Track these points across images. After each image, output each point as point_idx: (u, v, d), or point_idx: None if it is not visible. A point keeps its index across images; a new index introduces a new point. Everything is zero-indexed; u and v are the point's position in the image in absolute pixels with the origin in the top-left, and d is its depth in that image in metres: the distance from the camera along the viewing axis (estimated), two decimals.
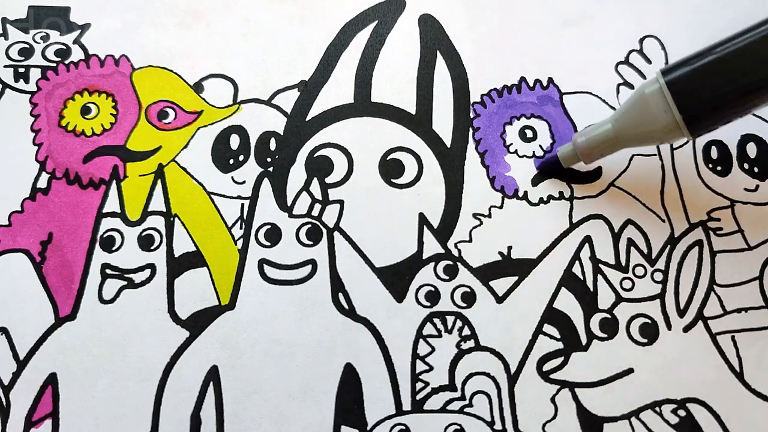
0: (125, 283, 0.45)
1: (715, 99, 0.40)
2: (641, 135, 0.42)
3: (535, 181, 0.47)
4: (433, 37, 0.51)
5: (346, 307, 0.44)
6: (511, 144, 0.48)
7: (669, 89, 0.40)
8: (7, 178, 0.47)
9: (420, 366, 0.43)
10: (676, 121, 0.40)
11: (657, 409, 0.43)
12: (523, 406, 0.43)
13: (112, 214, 0.46)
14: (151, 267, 0.45)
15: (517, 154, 0.48)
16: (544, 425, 0.42)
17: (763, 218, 0.47)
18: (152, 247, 0.45)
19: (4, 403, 0.42)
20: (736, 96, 0.40)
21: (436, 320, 0.44)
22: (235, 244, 0.45)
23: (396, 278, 0.45)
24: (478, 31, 0.51)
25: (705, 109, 0.40)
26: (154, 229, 0.46)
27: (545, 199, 0.47)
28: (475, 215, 0.46)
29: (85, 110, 0.48)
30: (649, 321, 0.44)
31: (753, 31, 0.41)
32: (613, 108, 0.49)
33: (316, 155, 0.48)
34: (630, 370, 0.43)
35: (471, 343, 0.44)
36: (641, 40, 0.51)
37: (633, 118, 0.42)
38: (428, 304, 0.44)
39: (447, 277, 0.45)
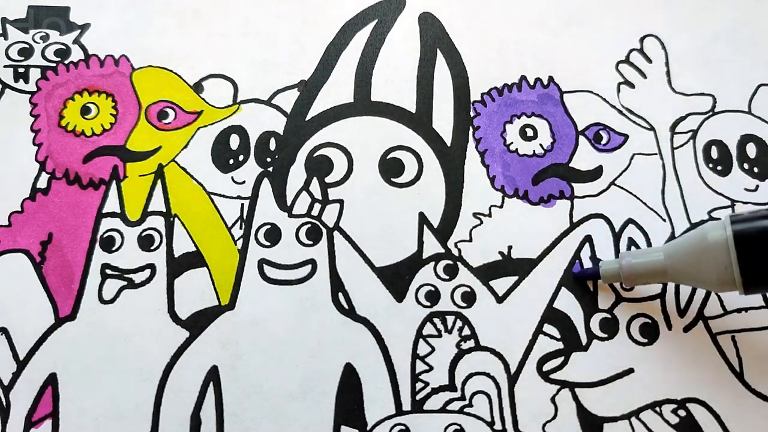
0: (125, 283, 0.45)
1: None
2: (692, 278, 0.40)
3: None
4: (434, 36, 0.51)
5: (346, 306, 0.44)
6: (512, 143, 0.48)
7: (735, 244, 0.37)
8: (7, 178, 0.47)
9: (420, 366, 0.43)
10: (732, 278, 0.38)
11: (657, 409, 0.43)
12: (523, 406, 0.42)
13: (112, 214, 0.46)
14: (151, 267, 0.45)
15: (518, 153, 0.48)
16: (544, 425, 0.42)
17: None
18: (152, 247, 0.45)
19: (4, 403, 0.42)
20: None
21: (436, 320, 0.44)
22: (235, 244, 0.45)
23: (396, 278, 0.45)
24: (479, 30, 0.51)
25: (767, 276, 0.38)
26: (154, 229, 0.46)
27: (545, 198, 0.47)
28: (475, 214, 0.46)
29: (84, 110, 0.48)
30: (650, 321, 0.44)
31: None
32: (614, 106, 0.49)
33: (315, 155, 0.48)
34: (630, 370, 0.43)
35: (471, 343, 0.44)
36: (641, 39, 0.51)
37: (687, 259, 0.40)
38: (428, 303, 0.44)
39: (447, 277, 0.45)
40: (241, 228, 0.46)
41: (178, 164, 0.47)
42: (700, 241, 0.39)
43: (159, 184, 0.47)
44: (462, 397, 0.43)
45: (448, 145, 0.48)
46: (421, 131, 0.48)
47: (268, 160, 0.47)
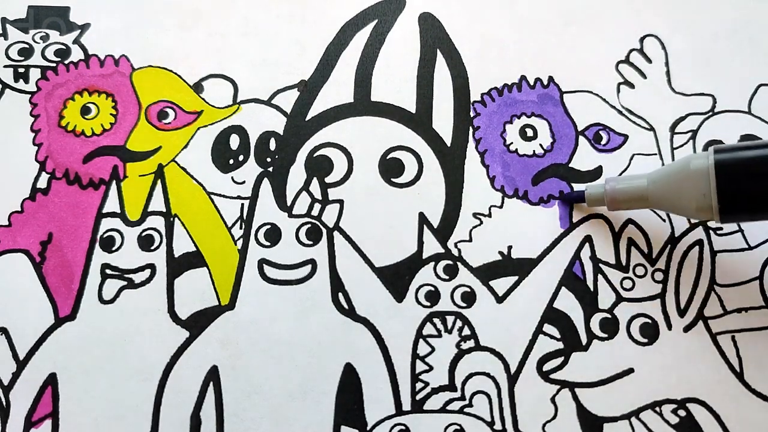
0: (125, 283, 0.45)
1: (759, 198, 0.39)
2: (672, 204, 0.41)
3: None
4: (433, 36, 0.51)
5: (346, 307, 0.44)
6: (512, 143, 0.48)
7: (716, 172, 0.39)
8: (7, 178, 0.47)
9: (420, 366, 0.43)
10: (710, 206, 0.39)
11: (657, 409, 0.43)
12: (523, 406, 0.43)
13: (112, 214, 0.46)
14: (151, 267, 0.45)
15: (518, 153, 0.48)
16: (544, 425, 0.42)
17: None
18: (152, 247, 0.45)
19: (4, 403, 0.42)
20: None
21: (436, 320, 0.44)
22: (235, 244, 0.45)
23: (396, 278, 0.45)
24: (479, 30, 0.51)
25: (744, 205, 0.39)
26: (154, 229, 0.46)
27: (545, 198, 0.47)
28: (475, 215, 0.46)
29: (84, 110, 0.48)
30: (650, 321, 0.44)
31: None
32: (613, 107, 0.49)
33: (315, 155, 0.48)
34: (630, 370, 0.43)
35: (471, 343, 0.44)
36: (641, 39, 0.51)
37: (669, 186, 0.41)
38: (428, 303, 0.44)
39: (447, 277, 0.45)
40: (241, 228, 0.46)
41: (178, 164, 0.47)
42: (683, 168, 0.40)
43: (159, 184, 0.47)
44: (462, 397, 0.43)
45: (448, 145, 0.48)
46: (421, 131, 0.48)
47: (268, 160, 0.47)
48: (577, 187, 0.47)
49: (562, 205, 0.47)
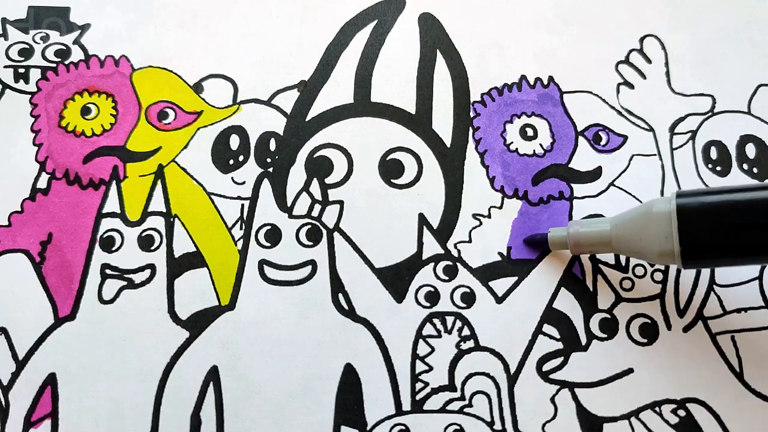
0: (125, 283, 0.45)
1: (721, 245, 0.39)
2: (635, 248, 0.41)
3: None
4: (433, 36, 0.51)
5: (346, 307, 0.44)
6: (512, 143, 0.48)
7: (678, 217, 0.38)
8: (7, 178, 0.47)
9: (420, 366, 0.43)
10: (672, 250, 0.39)
11: (657, 409, 0.43)
12: (523, 406, 0.43)
13: (112, 215, 0.46)
14: (151, 267, 0.45)
15: (518, 153, 0.48)
16: (543, 425, 0.42)
17: None
18: (152, 248, 0.45)
19: (3, 403, 0.42)
20: (745, 250, 0.38)
21: (436, 320, 0.44)
22: (236, 244, 0.45)
23: (396, 279, 0.45)
24: (479, 30, 0.51)
25: (706, 251, 0.39)
26: (154, 229, 0.46)
27: (545, 199, 0.47)
28: (474, 215, 0.46)
29: (85, 111, 0.48)
30: (649, 321, 0.44)
31: None
32: (613, 107, 0.49)
33: (315, 156, 0.48)
34: (630, 370, 0.43)
35: (471, 344, 0.44)
36: (641, 40, 0.51)
37: (632, 230, 0.41)
38: (428, 304, 0.44)
39: (447, 278, 0.45)
40: (241, 228, 0.46)
41: (178, 164, 0.47)
42: (645, 212, 0.40)
43: (159, 184, 0.47)
44: (462, 397, 0.43)
45: (448, 146, 0.48)
46: (420, 132, 0.48)
47: (268, 160, 0.47)
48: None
49: (530, 247, 0.46)
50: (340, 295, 0.45)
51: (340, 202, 0.46)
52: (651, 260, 0.41)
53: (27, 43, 0.50)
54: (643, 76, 0.50)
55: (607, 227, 0.42)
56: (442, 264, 0.45)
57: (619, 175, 0.48)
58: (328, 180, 0.47)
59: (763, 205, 0.38)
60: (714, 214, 0.38)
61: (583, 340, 0.44)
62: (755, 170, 0.48)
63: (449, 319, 0.44)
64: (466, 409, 0.42)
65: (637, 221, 0.40)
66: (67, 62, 0.49)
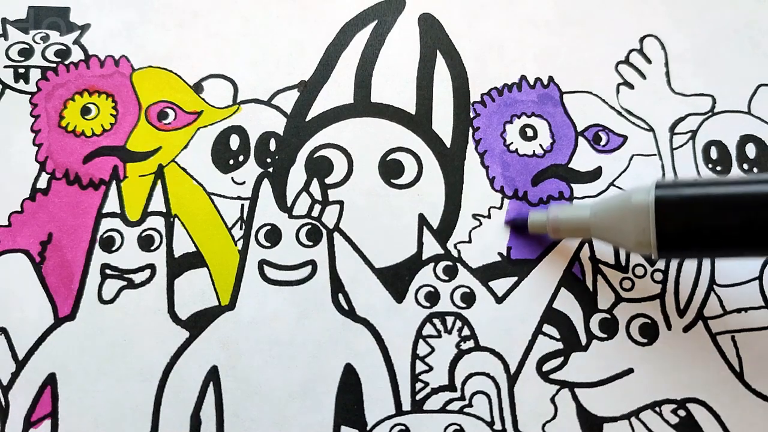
0: (125, 283, 0.45)
1: (698, 236, 0.38)
2: (613, 236, 0.41)
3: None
4: (433, 37, 0.51)
5: (346, 307, 0.44)
6: (512, 143, 0.48)
7: (656, 208, 0.38)
8: (7, 178, 0.47)
9: (420, 366, 0.43)
10: (649, 241, 0.39)
11: (657, 409, 0.43)
12: (523, 406, 0.43)
13: (112, 215, 0.46)
14: (151, 267, 0.45)
15: (518, 154, 0.48)
16: (543, 425, 0.42)
17: None
18: (152, 248, 0.45)
19: (3, 403, 0.42)
20: (719, 242, 0.38)
21: (436, 320, 0.44)
22: (235, 244, 0.45)
23: (396, 279, 0.45)
24: (479, 30, 0.51)
25: (682, 243, 0.39)
26: (154, 229, 0.46)
27: (545, 199, 0.47)
28: (474, 216, 0.46)
29: (85, 111, 0.48)
30: (649, 321, 0.44)
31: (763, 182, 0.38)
32: (613, 107, 0.49)
33: (315, 156, 0.48)
34: (630, 370, 0.43)
35: (471, 344, 0.44)
36: (641, 40, 0.51)
37: (611, 218, 0.41)
38: (428, 304, 0.44)
39: (446, 278, 0.45)
40: (241, 228, 0.46)
41: (178, 164, 0.47)
42: (624, 201, 0.40)
43: (159, 184, 0.47)
44: (462, 397, 0.43)
45: (448, 146, 0.48)
46: (420, 133, 0.48)
47: (268, 160, 0.47)
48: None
49: (513, 232, 0.46)
50: (340, 295, 0.45)
51: (340, 202, 0.46)
52: (628, 249, 0.42)
53: (27, 43, 0.50)
54: (643, 76, 0.50)
55: (586, 213, 0.42)
56: (442, 264, 0.45)
57: (619, 175, 0.48)
58: (328, 180, 0.47)
59: (743, 199, 0.38)
60: (692, 207, 0.38)
61: (583, 340, 0.44)
62: (755, 170, 0.48)
63: (449, 319, 0.44)
64: (466, 409, 0.42)
65: (615, 210, 0.40)
66: (67, 62, 0.49)
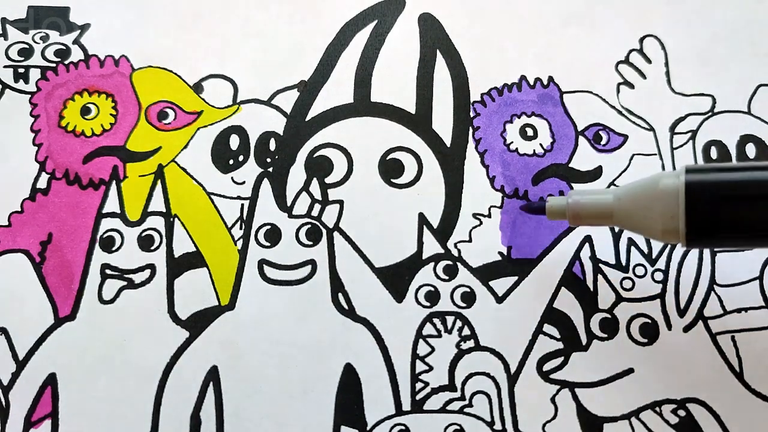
0: (125, 283, 0.45)
1: (731, 224, 0.36)
2: (638, 224, 0.38)
3: (535, 180, 0.47)
4: (433, 36, 0.51)
5: (346, 307, 0.44)
6: (512, 143, 0.48)
7: (686, 194, 0.36)
8: (6, 178, 0.47)
9: (420, 366, 0.43)
10: (677, 229, 0.36)
11: (657, 409, 0.43)
12: (523, 406, 0.43)
13: (112, 215, 0.46)
14: (151, 267, 0.45)
15: (518, 153, 0.48)
16: (544, 425, 0.42)
17: None
18: (152, 248, 0.45)
19: (3, 403, 0.42)
20: (753, 232, 0.36)
21: (436, 320, 0.44)
22: (235, 244, 0.45)
23: (396, 278, 0.45)
24: (479, 30, 0.51)
25: (714, 231, 0.36)
26: (154, 229, 0.46)
27: (545, 199, 0.47)
28: (474, 215, 0.46)
29: (84, 111, 0.48)
30: (649, 321, 0.44)
31: None
32: (613, 107, 0.49)
33: (315, 155, 0.48)
34: (630, 370, 0.43)
35: (471, 343, 0.44)
36: (641, 40, 0.51)
37: (636, 204, 0.38)
38: (428, 304, 0.44)
39: (447, 277, 0.45)
40: (241, 228, 0.46)
41: (178, 164, 0.47)
42: (651, 186, 0.37)
43: (159, 184, 0.47)
44: (462, 397, 0.43)
45: (448, 146, 0.48)
46: (420, 132, 0.48)
47: (268, 160, 0.47)
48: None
49: (528, 213, 0.45)
50: (340, 294, 0.45)
51: (340, 202, 0.46)
52: (654, 237, 0.39)
53: (27, 43, 0.50)
54: (643, 76, 0.50)
55: (609, 198, 0.39)
56: (442, 264, 0.45)
57: (620, 175, 0.48)
58: (328, 180, 0.47)
59: None
60: (725, 192, 0.36)
61: (584, 340, 0.44)
62: None
63: (449, 319, 0.44)
64: (466, 409, 0.42)
65: (642, 195, 0.38)
66: (66, 62, 0.50)
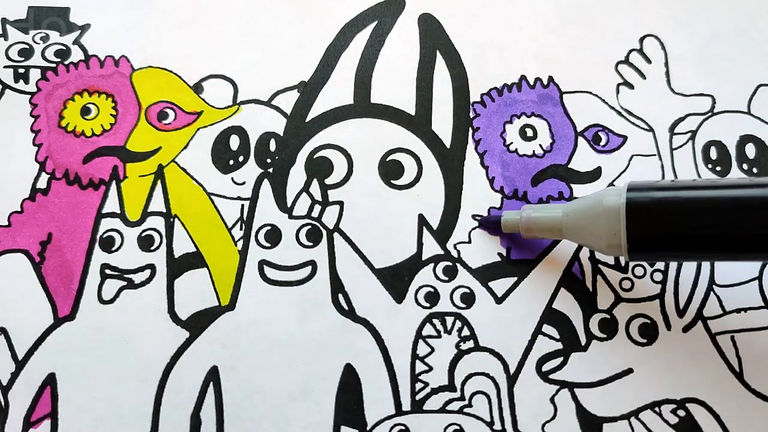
0: (125, 283, 0.45)
1: (669, 240, 0.39)
2: (584, 238, 0.41)
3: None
4: (433, 37, 0.51)
5: (346, 307, 0.44)
6: (512, 143, 0.48)
7: (626, 212, 0.38)
8: (6, 178, 0.47)
9: (419, 366, 0.43)
10: (620, 244, 0.39)
11: (656, 409, 0.43)
12: (523, 407, 0.43)
13: (112, 215, 0.46)
14: (151, 267, 0.45)
15: (518, 154, 0.48)
16: (543, 425, 0.42)
17: None
18: (152, 248, 0.45)
19: (3, 403, 0.42)
20: (689, 245, 0.39)
21: (436, 321, 0.44)
22: (236, 245, 0.45)
23: (395, 279, 0.45)
24: (478, 30, 0.51)
25: (653, 246, 0.39)
26: (154, 229, 0.46)
27: (545, 199, 0.47)
28: (474, 216, 0.46)
29: (84, 111, 0.48)
30: (649, 321, 0.44)
31: (740, 187, 0.38)
32: (612, 108, 0.49)
33: (315, 156, 0.48)
34: (629, 371, 0.43)
35: (470, 344, 0.44)
36: (641, 40, 0.51)
37: (583, 220, 0.41)
38: (428, 304, 0.44)
39: (446, 278, 0.45)
40: (241, 229, 0.46)
41: (178, 165, 0.47)
42: (596, 204, 0.40)
43: (159, 184, 0.47)
44: (461, 398, 0.43)
45: (448, 146, 0.48)
46: (420, 133, 0.48)
47: (268, 161, 0.47)
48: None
49: (485, 229, 0.46)
50: (340, 295, 0.45)
51: (340, 203, 0.46)
52: (600, 251, 0.41)
53: (27, 43, 0.50)
54: (643, 76, 0.50)
55: (559, 213, 0.42)
56: (442, 264, 0.45)
57: (619, 176, 0.48)
58: (328, 180, 0.47)
59: (714, 203, 0.38)
60: (663, 211, 0.38)
61: (583, 341, 0.44)
62: (755, 170, 0.48)
63: (449, 320, 0.44)
64: (465, 410, 0.42)
65: (588, 211, 0.41)
66: (67, 62, 0.49)
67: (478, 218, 0.46)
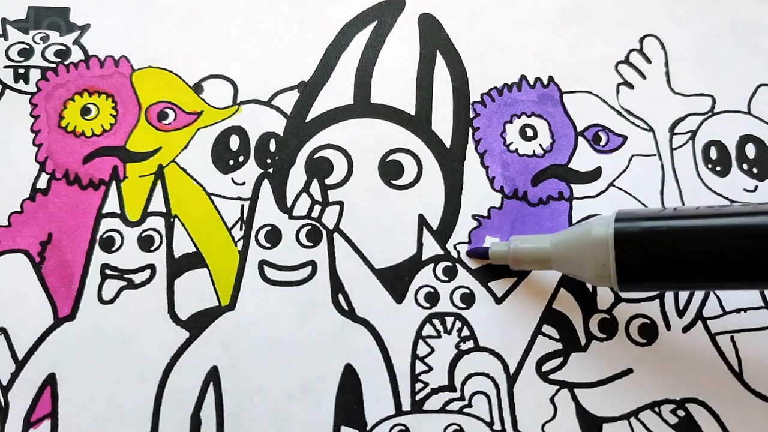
0: (125, 283, 0.45)
1: (658, 270, 0.38)
2: (573, 269, 0.41)
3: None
4: (433, 37, 0.51)
5: (346, 308, 0.44)
6: (512, 143, 0.48)
7: (615, 242, 0.38)
8: (6, 178, 0.47)
9: (419, 366, 0.43)
10: (609, 275, 0.38)
11: (656, 409, 0.43)
12: (523, 407, 0.43)
13: (112, 215, 0.46)
14: (151, 267, 0.45)
15: (518, 154, 0.48)
16: (543, 425, 0.42)
17: None
18: (152, 248, 0.45)
19: (3, 403, 0.42)
20: (679, 275, 0.38)
21: (436, 321, 0.44)
22: (236, 245, 0.45)
23: (395, 279, 0.45)
24: (479, 30, 0.51)
25: (643, 276, 0.38)
26: (154, 229, 0.46)
27: (545, 199, 0.47)
28: (474, 216, 0.46)
29: (84, 111, 0.48)
30: (648, 321, 0.44)
31: (729, 216, 0.38)
32: (613, 108, 0.49)
33: (315, 156, 0.48)
34: (629, 371, 0.43)
35: (470, 344, 0.44)
36: (641, 39, 0.51)
37: (571, 251, 0.40)
38: (428, 305, 0.44)
39: (446, 278, 0.45)
40: (241, 229, 0.46)
41: (178, 165, 0.47)
42: (584, 235, 0.40)
43: (159, 184, 0.47)
44: (461, 398, 0.43)
45: (448, 146, 0.48)
46: (420, 133, 0.48)
47: (268, 161, 0.47)
48: (490, 241, 0.46)
49: (472, 260, 0.46)
50: (340, 295, 0.45)
51: (340, 203, 0.46)
52: (589, 281, 0.41)
53: (27, 44, 0.50)
54: (643, 76, 0.50)
55: (547, 245, 0.42)
56: (442, 265, 0.45)
57: (619, 176, 0.48)
58: (328, 181, 0.47)
59: (702, 232, 0.37)
60: (651, 241, 0.38)
61: (583, 341, 0.44)
62: (755, 170, 0.48)
63: (449, 320, 0.44)
64: (465, 410, 0.42)
65: (576, 242, 0.40)
66: (67, 62, 0.50)
67: (467, 250, 0.46)
